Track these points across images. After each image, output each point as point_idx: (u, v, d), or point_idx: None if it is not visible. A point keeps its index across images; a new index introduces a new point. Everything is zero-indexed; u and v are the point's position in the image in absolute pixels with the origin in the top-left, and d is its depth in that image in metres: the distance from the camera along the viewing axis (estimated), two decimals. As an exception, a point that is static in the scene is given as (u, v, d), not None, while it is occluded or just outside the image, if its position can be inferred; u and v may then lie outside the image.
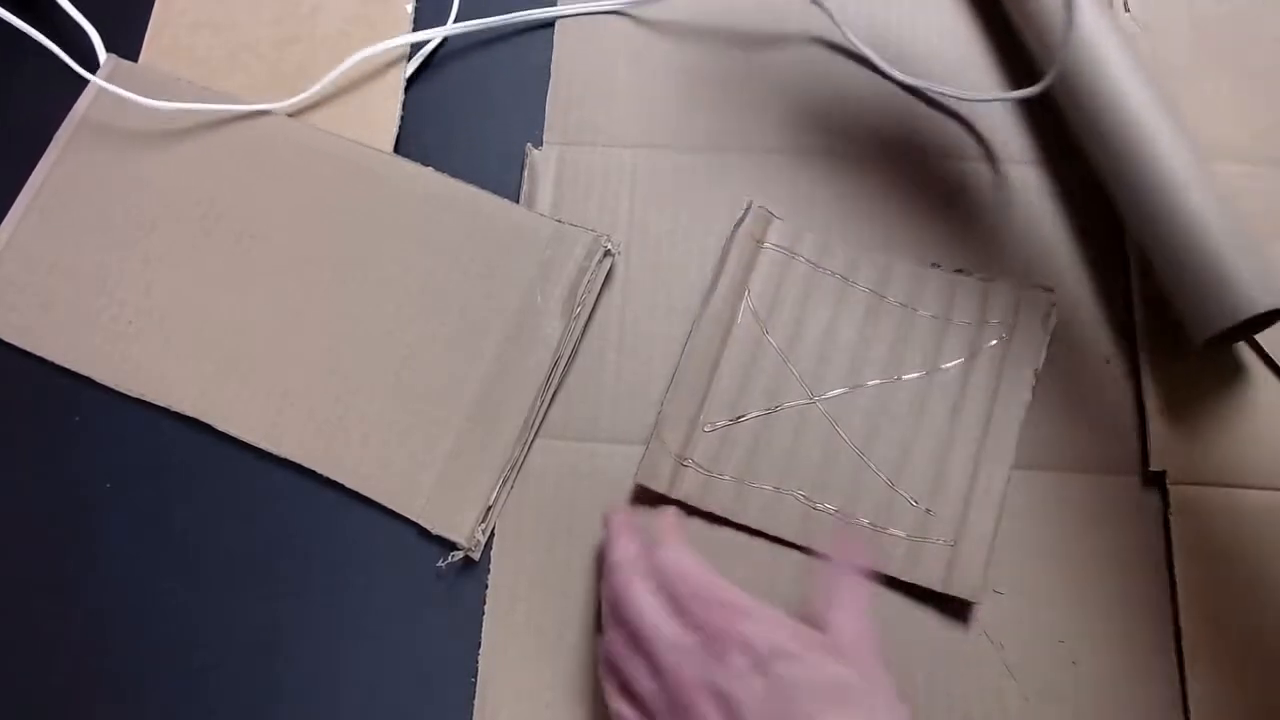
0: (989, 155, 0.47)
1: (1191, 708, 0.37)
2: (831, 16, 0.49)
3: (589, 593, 0.40)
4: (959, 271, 0.44)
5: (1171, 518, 0.40)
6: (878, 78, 0.48)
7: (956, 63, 0.48)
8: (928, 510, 0.40)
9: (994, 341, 0.42)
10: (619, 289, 0.45)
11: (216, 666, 0.40)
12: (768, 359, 0.42)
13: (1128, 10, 0.48)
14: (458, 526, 0.41)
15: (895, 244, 0.45)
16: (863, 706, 0.30)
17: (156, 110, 0.47)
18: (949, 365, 0.42)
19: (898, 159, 0.47)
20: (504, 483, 0.41)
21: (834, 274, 0.44)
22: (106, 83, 0.47)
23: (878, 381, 0.42)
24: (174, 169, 0.47)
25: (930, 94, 0.47)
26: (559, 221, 0.45)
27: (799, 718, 0.29)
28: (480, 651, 0.40)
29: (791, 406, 0.41)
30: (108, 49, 0.49)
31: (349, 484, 0.42)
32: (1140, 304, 0.43)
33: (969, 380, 0.42)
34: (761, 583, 0.38)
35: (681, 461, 0.41)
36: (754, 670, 0.30)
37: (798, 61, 0.49)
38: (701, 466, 0.41)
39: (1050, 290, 0.43)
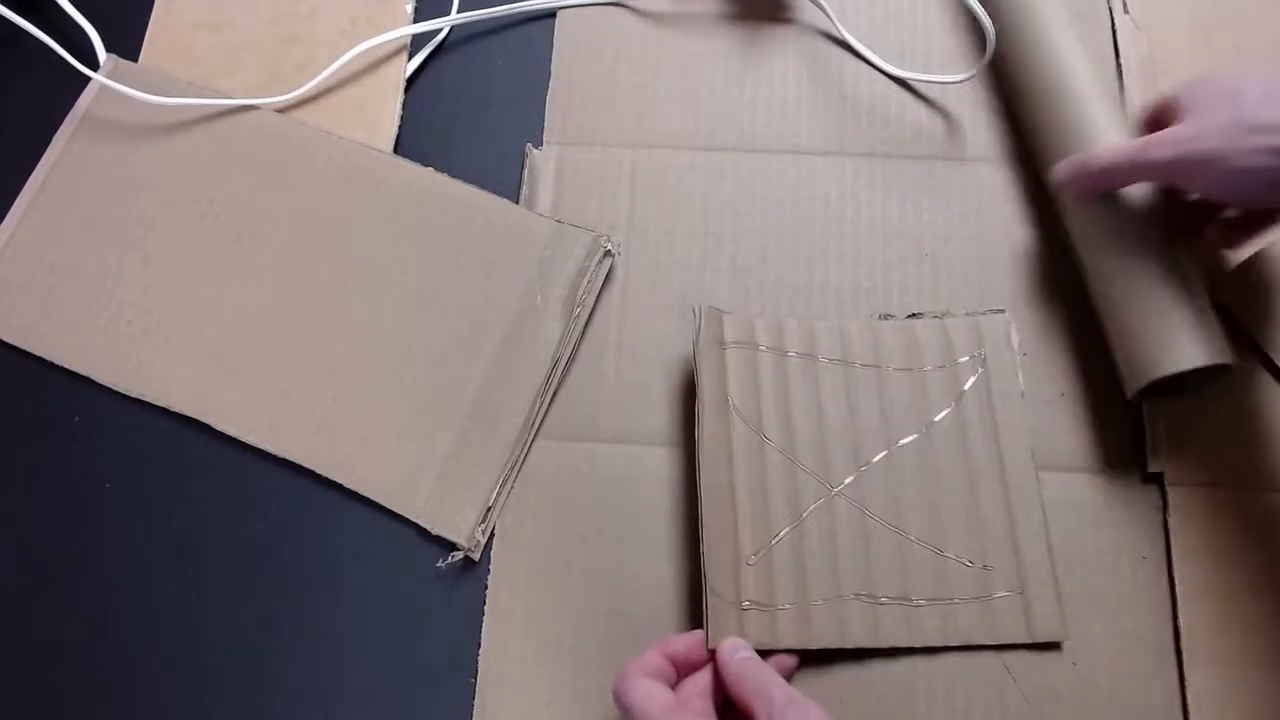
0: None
1: (1191, 707, 0.37)
2: (828, 13, 0.49)
3: (588, 593, 0.40)
4: (913, 316, 0.43)
5: (1170, 518, 0.40)
6: (876, 75, 0.48)
7: (954, 58, 0.48)
8: (985, 566, 0.39)
9: (972, 378, 0.42)
10: (619, 289, 0.45)
11: (216, 666, 0.40)
12: (774, 464, 0.40)
13: (1127, 11, 0.48)
14: (457, 527, 0.41)
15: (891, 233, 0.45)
16: None
17: (156, 108, 0.47)
18: (941, 416, 0.41)
19: (891, 158, 0.47)
20: (504, 483, 0.41)
21: (797, 354, 0.42)
22: (107, 80, 0.47)
23: (882, 454, 0.41)
24: (174, 169, 0.47)
25: (915, 85, 0.48)
26: (559, 221, 0.45)
27: None
28: (480, 651, 0.40)
29: (815, 508, 0.39)
30: (108, 49, 0.50)
31: (348, 484, 0.42)
32: None
33: (964, 423, 0.41)
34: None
35: (741, 607, 0.38)
36: None
37: (798, 58, 0.49)
38: (760, 604, 0.38)
39: (1002, 311, 0.43)
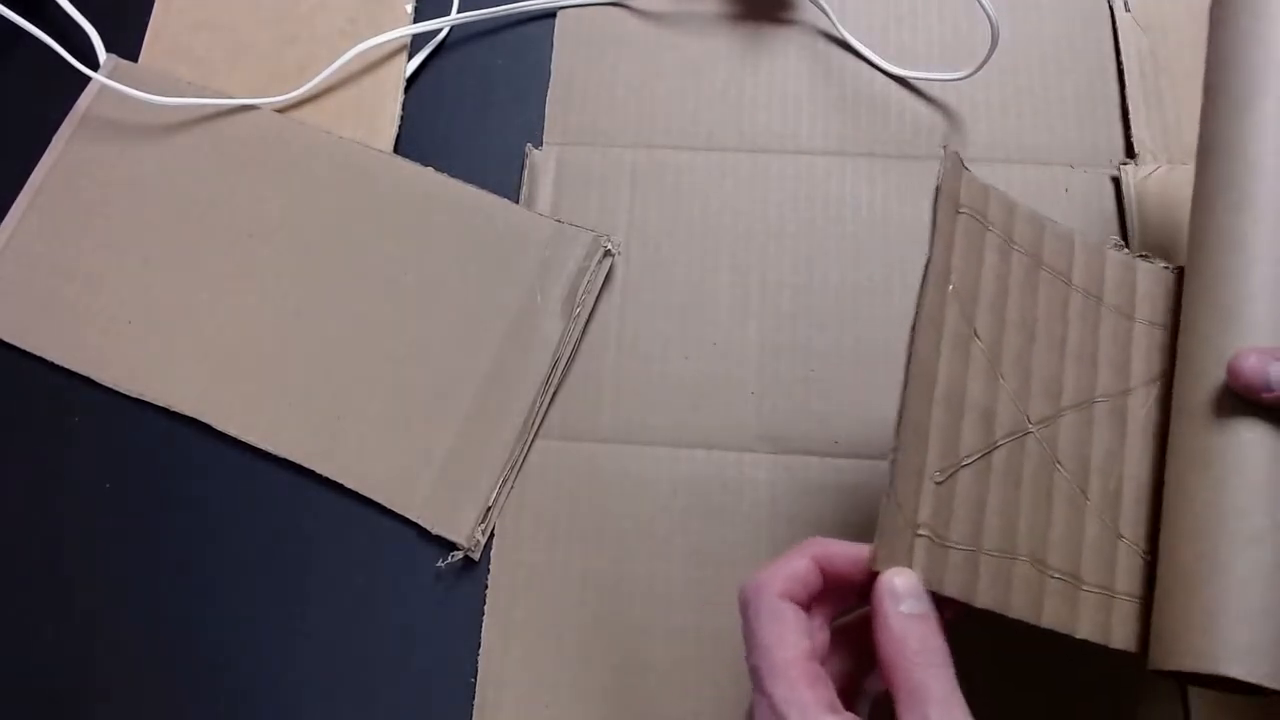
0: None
1: (1191, 706, 0.37)
2: (827, 13, 0.49)
3: (588, 594, 0.40)
4: (1143, 256, 0.36)
5: None
6: (876, 74, 0.48)
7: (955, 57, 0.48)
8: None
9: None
10: (619, 289, 0.45)
11: (216, 666, 0.40)
12: (978, 371, 0.32)
13: (1128, 10, 0.48)
14: (457, 526, 0.41)
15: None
16: None
17: (156, 108, 0.47)
18: (1138, 384, 0.34)
19: (891, 157, 0.47)
20: (504, 483, 0.41)
21: (1023, 251, 0.34)
22: (107, 80, 0.47)
23: (1083, 402, 0.33)
24: (174, 169, 0.47)
25: (916, 84, 0.48)
26: (559, 221, 0.45)
27: None
28: (480, 651, 0.40)
29: (1008, 440, 0.32)
30: (108, 49, 0.50)
31: (348, 484, 0.42)
32: None
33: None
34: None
35: (916, 530, 0.29)
36: None
37: (799, 58, 0.49)
38: (934, 534, 0.29)
39: None
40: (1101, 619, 0.31)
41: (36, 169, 0.47)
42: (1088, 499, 0.32)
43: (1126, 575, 0.32)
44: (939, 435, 0.30)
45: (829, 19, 0.49)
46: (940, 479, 0.30)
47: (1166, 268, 0.36)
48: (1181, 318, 0.34)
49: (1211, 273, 0.33)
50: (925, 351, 0.30)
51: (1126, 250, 0.36)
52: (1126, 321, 0.35)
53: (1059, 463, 0.32)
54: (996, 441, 0.31)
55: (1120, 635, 0.31)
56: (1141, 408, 0.34)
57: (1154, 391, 0.34)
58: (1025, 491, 0.31)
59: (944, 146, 0.33)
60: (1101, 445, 0.33)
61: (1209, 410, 0.31)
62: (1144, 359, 0.35)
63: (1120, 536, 0.32)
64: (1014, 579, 0.30)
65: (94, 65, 0.49)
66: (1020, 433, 0.32)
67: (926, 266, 0.31)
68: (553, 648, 0.39)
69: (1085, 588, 0.31)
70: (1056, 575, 0.31)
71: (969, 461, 0.31)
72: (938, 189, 0.32)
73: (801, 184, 0.46)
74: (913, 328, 0.30)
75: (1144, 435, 0.34)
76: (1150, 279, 0.36)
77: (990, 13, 0.43)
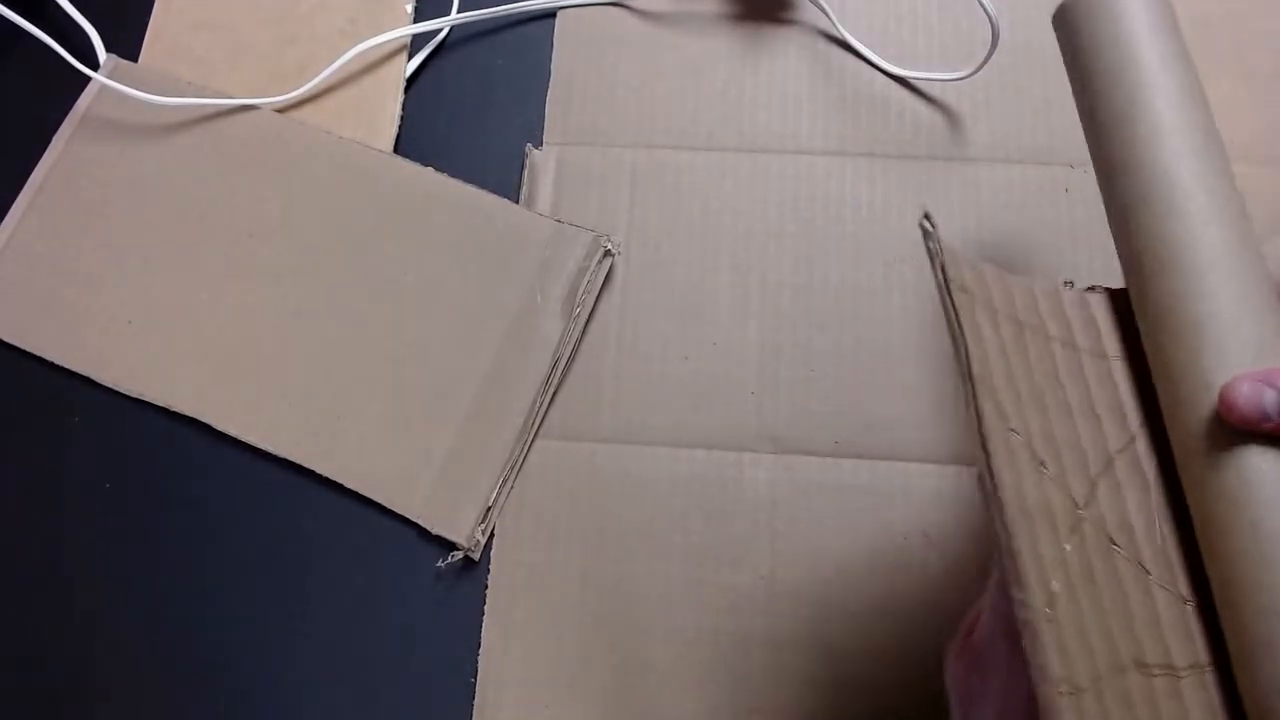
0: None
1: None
2: (827, 13, 0.49)
3: (588, 594, 0.40)
4: (1091, 289, 0.33)
5: None
6: (876, 74, 0.48)
7: (955, 57, 0.48)
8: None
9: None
10: (619, 289, 0.45)
11: (216, 666, 0.40)
12: (1026, 468, 0.29)
13: (1128, 10, 0.48)
14: (457, 526, 0.41)
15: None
16: None
17: (156, 108, 0.47)
18: (1140, 426, 0.31)
19: (891, 157, 0.47)
20: (504, 483, 0.41)
21: (1003, 315, 0.31)
22: (107, 80, 0.47)
23: (1100, 468, 0.30)
24: (174, 169, 0.47)
25: (915, 84, 0.48)
26: (559, 221, 0.45)
27: None
28: (480, 651, 0.40)
29: (1072, 536, 0.29)
30: (108, 49, 0.50)
31: (348, 484, 0.42)
32: None
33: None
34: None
35: (1059, 691, 0.27)
36: None
37: (799, 58, 0.49)
38: (1071, 685, 0.28)
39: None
40: (1205, 698, 0.28)
41: (36, 169, 0.47)
42: (1148, 572, 0.29)
43: (1205, 642, 0.29)
44: (1029, 562, 0.27)
45: (829, 19, 0.49)
46: (1051, 614, 0.27)
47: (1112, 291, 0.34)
48: (1146, 345, 0.32)
49: (1163, 293, 0.31)
50: (1002, 472, 0.28)
51: (1074, 286, 0.34)
52: (1104, 362, 0.32)
53: (1114, 542, 0.29)
54: (1063, 543, 0.29)
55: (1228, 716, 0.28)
56: (1149, 453, 0.31)
57: (1149, 431, 0.32)
58: (1102, 588, 0.29)
59: (925, 217, 0.29)
60: (1136, 508, 0.30)
61: (1213, 448, 0.29)
62: (1132, 398, 0.32)
63: (1186, 601, 0.29)
64: (1134, 699, 0.27)
65: (94, 65, 0.49)
66: (1076, 523, 0.29)
67: (968, 369, 0.28)
68: (553, 648, 0.40)
69: (1182, 674, 0.28)
70: (1158, 672, 0.28)
71: (1060, 583, 0.28)
72: (941, 267, 0.29)
73: (801, 184, 0.47)
74: (984, 449, 0.27)
75: (1161, 483, 0.31)
76: (1104, 310, 0.33)
77: (990, 13, 0.43)
